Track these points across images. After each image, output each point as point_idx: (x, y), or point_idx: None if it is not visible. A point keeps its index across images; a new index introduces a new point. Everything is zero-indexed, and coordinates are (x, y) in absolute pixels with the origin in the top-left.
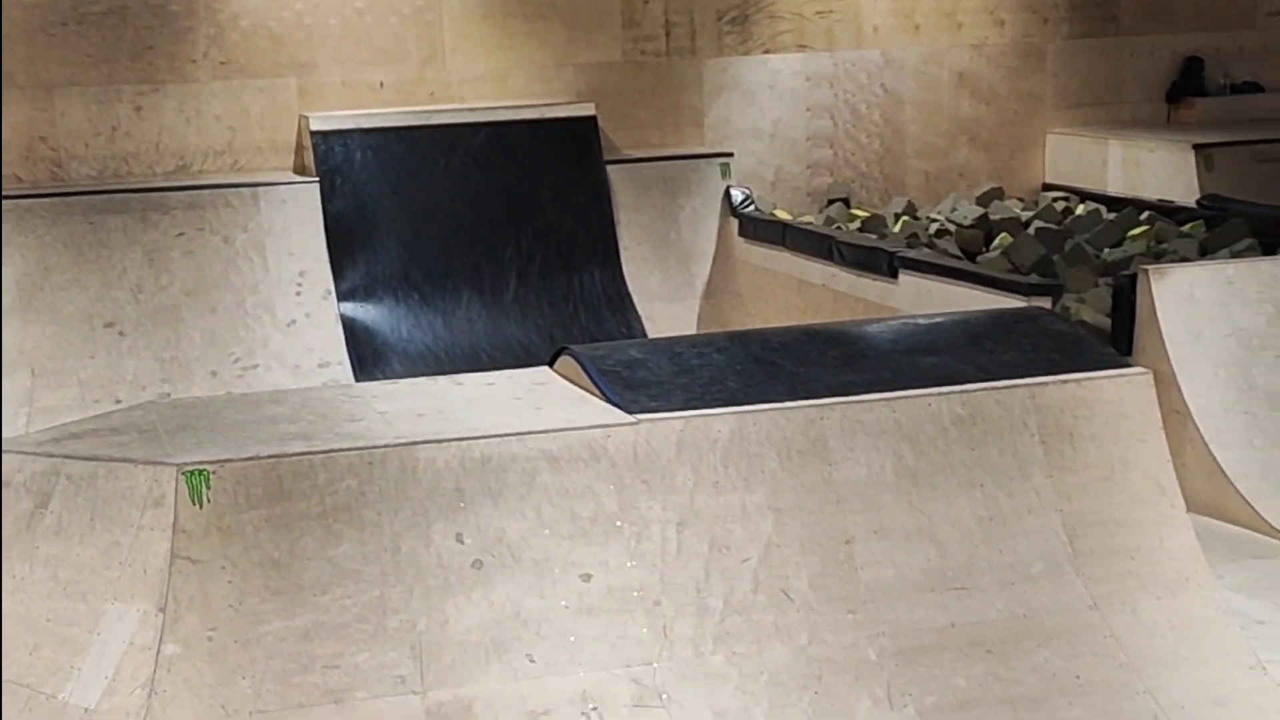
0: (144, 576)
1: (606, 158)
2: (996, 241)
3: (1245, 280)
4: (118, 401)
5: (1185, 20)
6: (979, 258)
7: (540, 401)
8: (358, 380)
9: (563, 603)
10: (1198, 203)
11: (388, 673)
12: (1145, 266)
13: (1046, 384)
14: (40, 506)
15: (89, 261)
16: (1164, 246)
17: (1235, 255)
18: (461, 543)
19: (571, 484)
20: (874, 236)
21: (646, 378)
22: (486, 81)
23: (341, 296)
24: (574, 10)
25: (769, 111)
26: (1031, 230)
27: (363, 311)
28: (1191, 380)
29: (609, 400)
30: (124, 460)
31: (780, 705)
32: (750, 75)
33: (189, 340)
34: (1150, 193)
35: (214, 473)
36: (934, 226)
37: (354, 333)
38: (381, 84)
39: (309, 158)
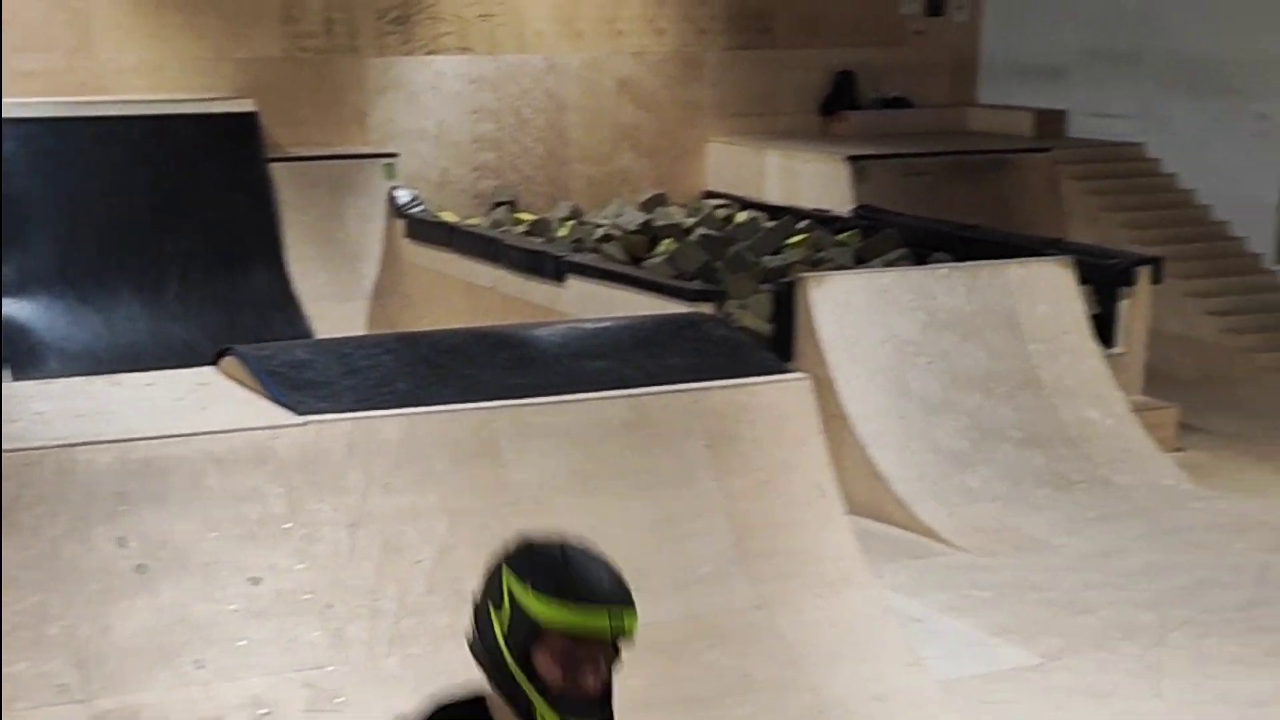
0: None
1: (269, 155)
2: (661, 247)
3: (899, 288)
4: None
5: (838, 35)
6: (644, 263)
7: (205, 402)
8: (14, 380)
9: (232, 607)
10: (852, 212)
11: (48, 682)
12: (803, 274)
13: (711, 389)
14: None
15: None
16: (821, 255)
17: (889, 264)
18: (124, 547)
19: (239, 486)
20: (540, 240)
21: (314, 378)
22: (140, 73)
23: None
24: (231, 3)
25: (433, 113)
26: (694, 237)
27: (16, 309)
28: (849, 385)
29: (276, 401)
30: None
31: None
32: (414, 76)
33: None
34: (807, 202)
35: None
36: (599, 231)
37: (8, 331)
38: (31, 72)
39: None
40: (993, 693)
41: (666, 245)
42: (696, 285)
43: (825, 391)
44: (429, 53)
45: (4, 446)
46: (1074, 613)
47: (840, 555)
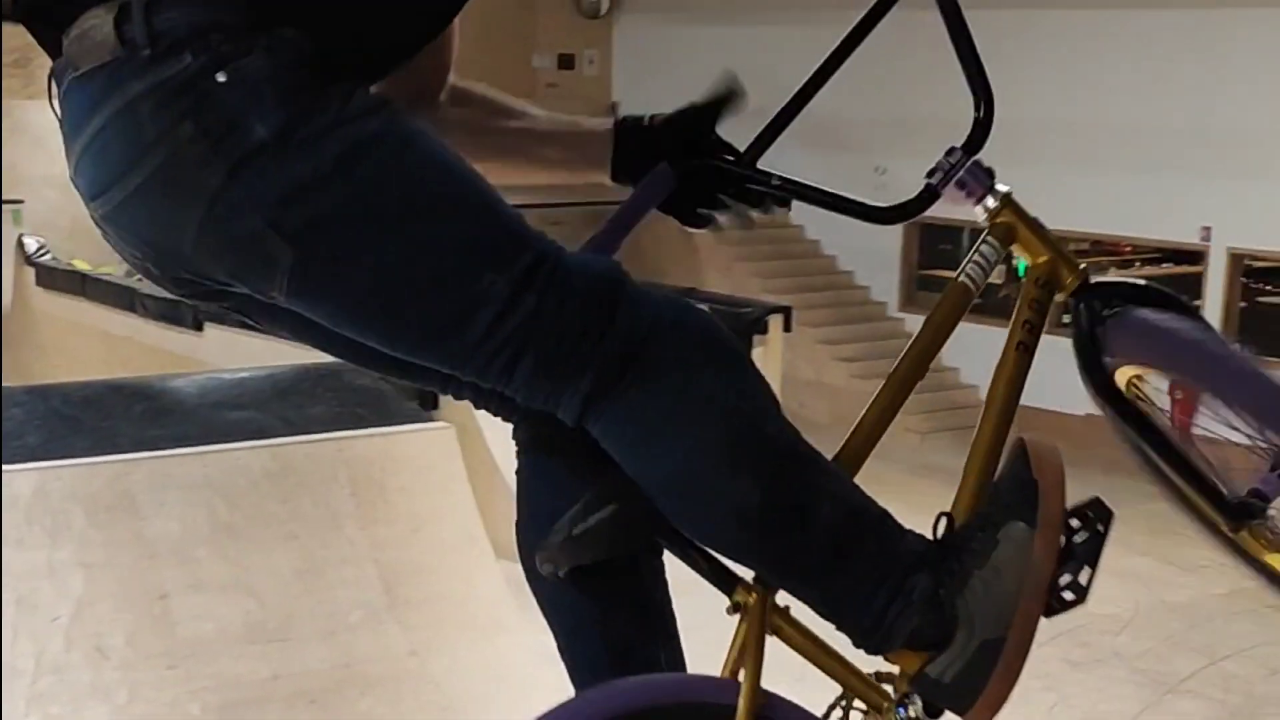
0: None
1: None
2: None
3: None
4: None
5: None
6: None
7: None
8: None
9: None
10: None
11: None
12: None
13: (355, 437)
14: None
15: None
16: None
17: None
18: None
19: None
20: None
21: None
22: None
23: None
24: None
25: (59, 159)
26: None
27: None
28: (496, 432)
29: None
30: None
31: None
32: (39, 120)
33: None
34: None
35: None
36: None
37: None
38: None
39: None
40: None
41: None
42: None
43: (474, 439)
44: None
45: None
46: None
47: (492, 601)
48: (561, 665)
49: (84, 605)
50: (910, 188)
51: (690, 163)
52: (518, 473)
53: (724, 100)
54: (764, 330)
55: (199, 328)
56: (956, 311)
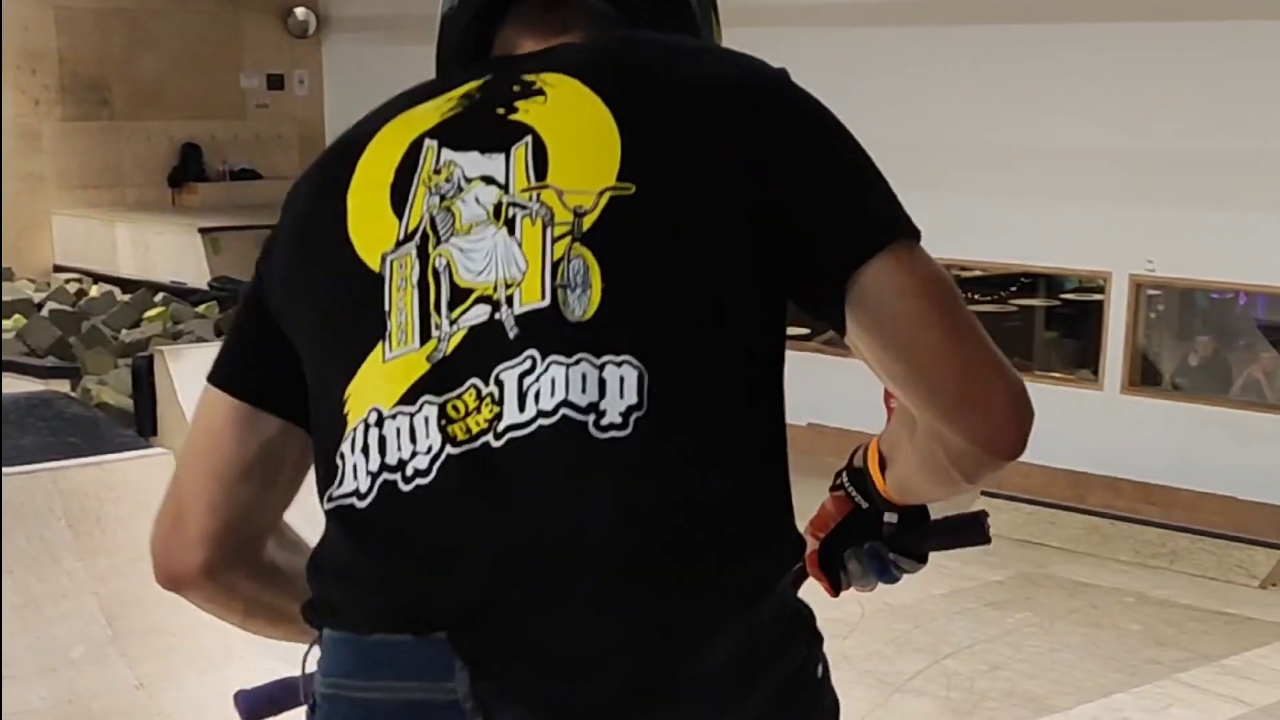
0: None
1: None
2: (9, 324)
3: None
4: None
5: (179, 108)
6: None
7: None
8: None
9: None
10: (209, 284)
11: None
12: (161, 348)
13: (68, 468)
14: None
15: None
16: (180, 327)
17: None
18: None
19: None
20: None
21: None
22: None
23: None
24: None
25: None
26: (45, 312)
27: None
28: None
29: None
30: None
31: None
32: None
33: None
34: (162, 274)
35: None
36: None
37: None
38: None
39: None
40: None
41: (15, 321)
42: (50, 362)
43: None
44: None
45: None
46: None
47: (220, 628)
48: None
49: None
50: None
51: None
52: None
53: None
54: None
55: None
56: None
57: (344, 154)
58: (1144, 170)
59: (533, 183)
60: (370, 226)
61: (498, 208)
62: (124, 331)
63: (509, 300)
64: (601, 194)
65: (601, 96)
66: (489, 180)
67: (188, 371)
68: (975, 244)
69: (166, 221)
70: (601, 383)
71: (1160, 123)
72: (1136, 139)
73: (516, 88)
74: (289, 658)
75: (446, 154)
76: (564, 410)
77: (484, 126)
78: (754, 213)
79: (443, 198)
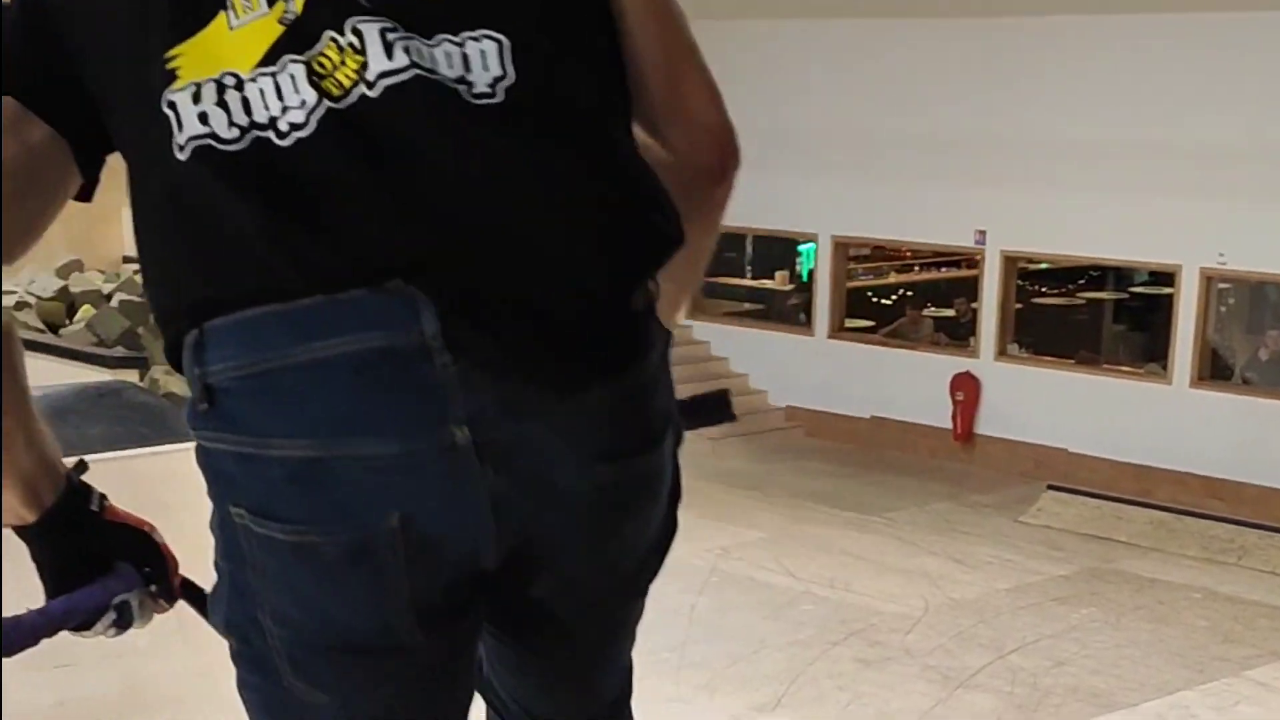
0: None
1: None
2: (79, 314)
3: None
4: None
5: None
6: (61, 331)
7: None
8: None
9: None
10: None
11: None
12: None
13: (136, 456)
14: None
15: None
16: None
17: None
18: None
19: None
20: None
21: None
22: None
23: None
24: None
25: None
26: (115, 303)
27: None
28: None
29: None
30: None
31: None
32: None
33: None
34: None
35: None
36: (12, 299)
37: None
38: None
39: None
40: None
41: (85, 311)
42: (119, 352)
43: None
44: None
45: None
46: None
47: None
48: None
49: None
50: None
51: None
52: None
53: None
54: None
55: None
56: None
57: None
58: (1215, 164)
59: None
60: None
61: None
62: None
63: None
64: None
65: None
66: None
67: None
68: (1045, 237)
69: None
70: (465, 57)
71: (1232, 116)
72: (1208, 133)
73: None
74: None
75: None
76: (434, 77)
77: None
78: None
79: None
